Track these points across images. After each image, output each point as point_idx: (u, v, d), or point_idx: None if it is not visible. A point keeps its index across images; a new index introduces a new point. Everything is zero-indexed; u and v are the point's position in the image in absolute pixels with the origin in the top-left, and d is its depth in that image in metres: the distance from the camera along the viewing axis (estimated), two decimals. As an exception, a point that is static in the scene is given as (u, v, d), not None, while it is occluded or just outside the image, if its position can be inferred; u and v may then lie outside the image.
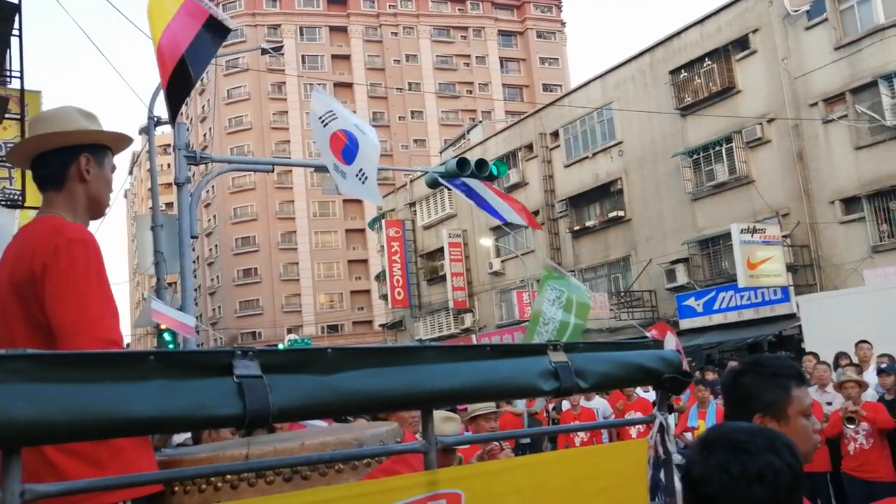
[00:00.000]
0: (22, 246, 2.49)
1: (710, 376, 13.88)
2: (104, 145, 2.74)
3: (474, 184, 6.95)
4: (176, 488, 2.10)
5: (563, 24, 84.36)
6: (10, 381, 1.32)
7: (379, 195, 5.69)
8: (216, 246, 76.48)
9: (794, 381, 2.30)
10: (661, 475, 2.21)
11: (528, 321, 9.96)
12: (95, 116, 2.75)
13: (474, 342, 36.55)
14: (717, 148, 26.97)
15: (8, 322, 2.43)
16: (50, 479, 2.06)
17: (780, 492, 1.52)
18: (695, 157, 27.88)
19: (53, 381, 1.36)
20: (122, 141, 2.81)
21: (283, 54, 67.51)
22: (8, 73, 14.27)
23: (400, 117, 76.86)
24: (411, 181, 44.25)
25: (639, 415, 10.24)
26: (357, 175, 5.60)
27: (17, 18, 13.01)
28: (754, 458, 1.55)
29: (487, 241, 36.92)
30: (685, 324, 26.55)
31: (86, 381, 1.40)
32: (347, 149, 5.54)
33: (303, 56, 76.33)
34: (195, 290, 14.25)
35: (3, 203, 12.20)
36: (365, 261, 73.09)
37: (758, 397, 2.25)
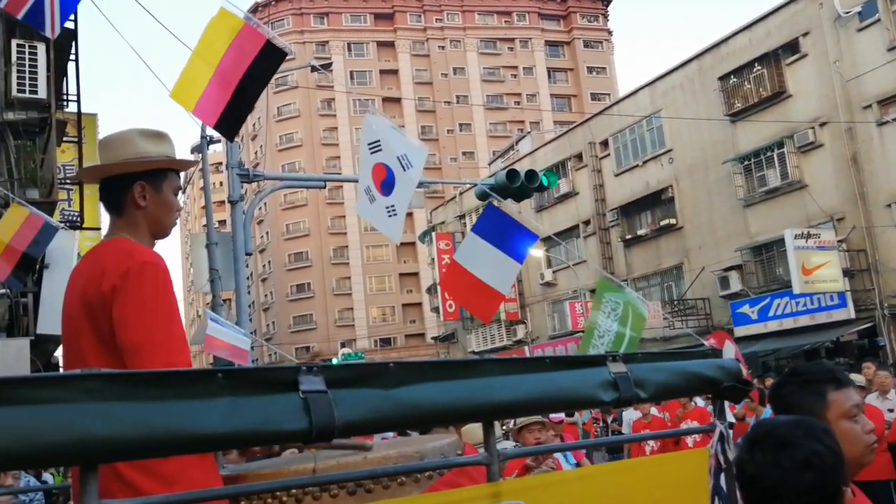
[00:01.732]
0: (93, 267, 2.55)
1: (770, 383, 13.66)
2: (164, 168, 2.74)
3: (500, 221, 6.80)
4: (242, 502, 2.14)
5: (609, 32, 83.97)
6: (85, 399, 1.34)
7: (399, 233, 5.71)
8: (269, 262, 77.28)
9: (831, 385, 2.30)
10: (723, 484, 2.19)
11: (581, 331, 9.92)
12: (161, 136, 2.76)
13: (527, 354, 36.43)
14: (769, 153, 26.62)
15: (80, 340, 2.50)
16: (122, 495, 2.11)
17: (826, 474, 1.65)
18: (746, 163, 27.55)
19: (126, 400, 1.39)
20: (182, 163, 2.82)
21: (331, 71, 68.18)
22: (65, 98, 14.65)
23: (448, 130, 77.06)
24: (460, 194, 44.32)
25: (695, 424, 10.14)
26: (387, 208, 5.64)
27: (73, 44, 13.37)
28: (799, 448, 1.69)
29: (538, 252, 36.80)
30: (740, 331, 26.17)
31: (157, 399, 1.42)
32: (385, 182, 5.59)
33: (351, 72, 76.98)
34: (249, 305, 14.40)
35: (63, 225, 12.49)
36: (416, 274, 73.28)
37: (797, 406, 2.27)
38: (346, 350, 57.63)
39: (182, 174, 2.87)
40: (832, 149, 24.82)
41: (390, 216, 5.62)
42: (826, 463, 1.66)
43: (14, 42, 12.00)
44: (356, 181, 6.14)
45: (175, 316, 2.51)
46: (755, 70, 27.32)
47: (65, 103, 14.95)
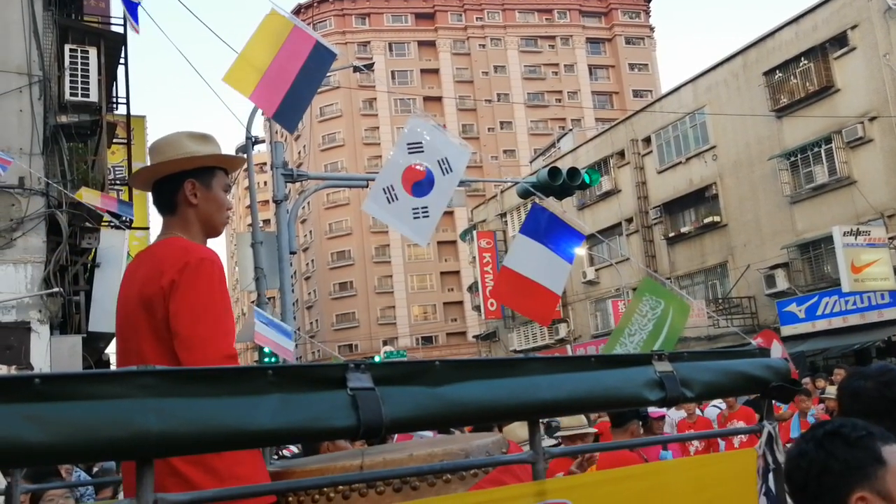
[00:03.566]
0: (151, 264, 2.61)
1: (822, 384, 13.45)
2: (213, 167, 2.81)
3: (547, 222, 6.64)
4: (290, 498, 2.17)
5: (651, 29, 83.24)
6: (141, 395, 1.38)
7: (428, 236, 5.62)
8: (313, 260, 77.80)
9: None
10: (771, 485, 2.18)
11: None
12: (207, 137, 2.83)
13: (569, 352, 36.25)
14: (816, 149, 26.19)
15: (138, 336, 2.56)
16: (176, 489, 2.15)
17: (811, 475, 1.73)
18: (792, 159, 27.14)
19: (179, 396, 1.42)
20: (229, 161, 2.87)
21: (373, 71, 68.42)
22: (115, 101, 14.89)
23: (489, 129, 76.95)
24: (502, 192, 44.24)
25: (742, 424, 10.01)
26: (415, 209, 5.55)
27: (122, 49, 13.60)
28: (796, 448, 1.80)
29: (581, 250, 36.57)
30: (787, 330, 25.79)
31: (209, 396, 1.44)
32: (421, 183, 5.53)
33: (392, 72, 77.19)
34: (293, 304, 14.51)
35: (112, 224, 12.73)
36: (457, 272, 73.26)
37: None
38: (389, 348, 57.85)
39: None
40: (882, 144, 24.36)
41: (417, 217, 5.55)
42: (813, 466, 1.71)
43: (67, 47, 12.23)
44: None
45: (228, 311, 2.57)
46: (802, 64, 26.90)
47: (114, 106, 15.19)
